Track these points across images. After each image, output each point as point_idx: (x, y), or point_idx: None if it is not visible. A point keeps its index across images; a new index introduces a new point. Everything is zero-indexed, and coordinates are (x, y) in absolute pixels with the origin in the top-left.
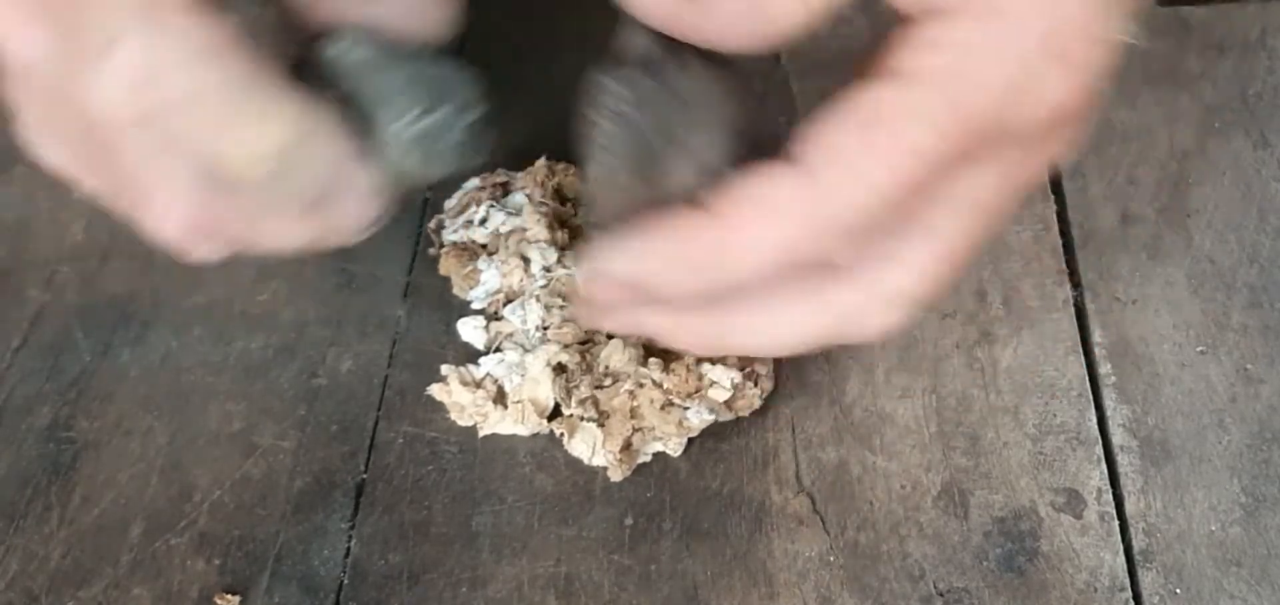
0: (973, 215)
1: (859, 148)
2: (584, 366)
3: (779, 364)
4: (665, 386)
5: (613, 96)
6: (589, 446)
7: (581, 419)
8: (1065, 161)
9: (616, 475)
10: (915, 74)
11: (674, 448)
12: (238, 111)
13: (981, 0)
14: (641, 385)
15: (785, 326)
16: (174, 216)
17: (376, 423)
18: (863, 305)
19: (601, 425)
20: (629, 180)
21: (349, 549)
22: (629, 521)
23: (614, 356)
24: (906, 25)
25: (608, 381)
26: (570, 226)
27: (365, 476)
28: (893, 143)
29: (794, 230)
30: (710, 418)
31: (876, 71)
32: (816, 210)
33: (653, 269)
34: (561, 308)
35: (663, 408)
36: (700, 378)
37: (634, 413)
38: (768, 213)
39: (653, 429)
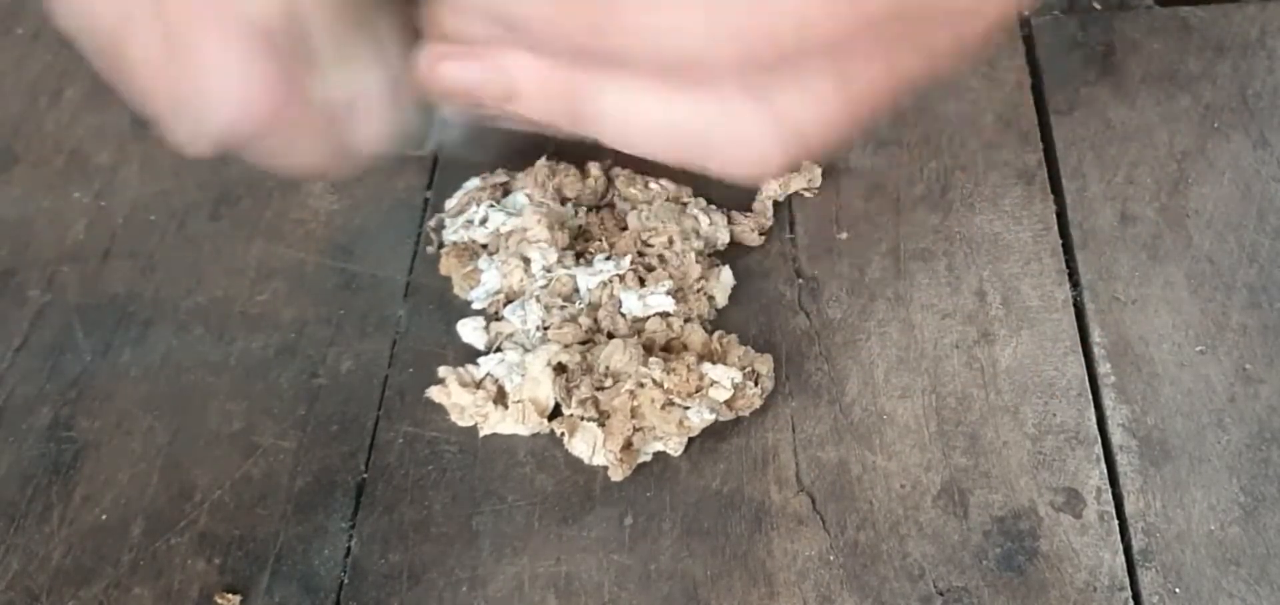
0: (892, 70)
1: None
2: (584, 366)
3: (779, 364)
4: (666, 386)
5: None
6: (589, 446)
7: (582, 419)
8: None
9: (617, 475)
10: None
11: (674, 447)
12: None
13: None
14: (642, 385)
15: (653, 118)
16: (229, 85)
17: (377, 422)
18: (744, 122)
19: (602, 425)
20: None
21: (349, 548)
22: (629, 521)
23: (615, 356)
24: None
25: (608, 381)
26: (571, 227)
27: (365, 476)
28: None
29: (700, 26)
30: (710, 417)
31: None
32: (732, 17)
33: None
34: (562, 308)
35: (663, 407)
36: (701, 377)
37: (634, 412)
38: None
39: (653, 429)
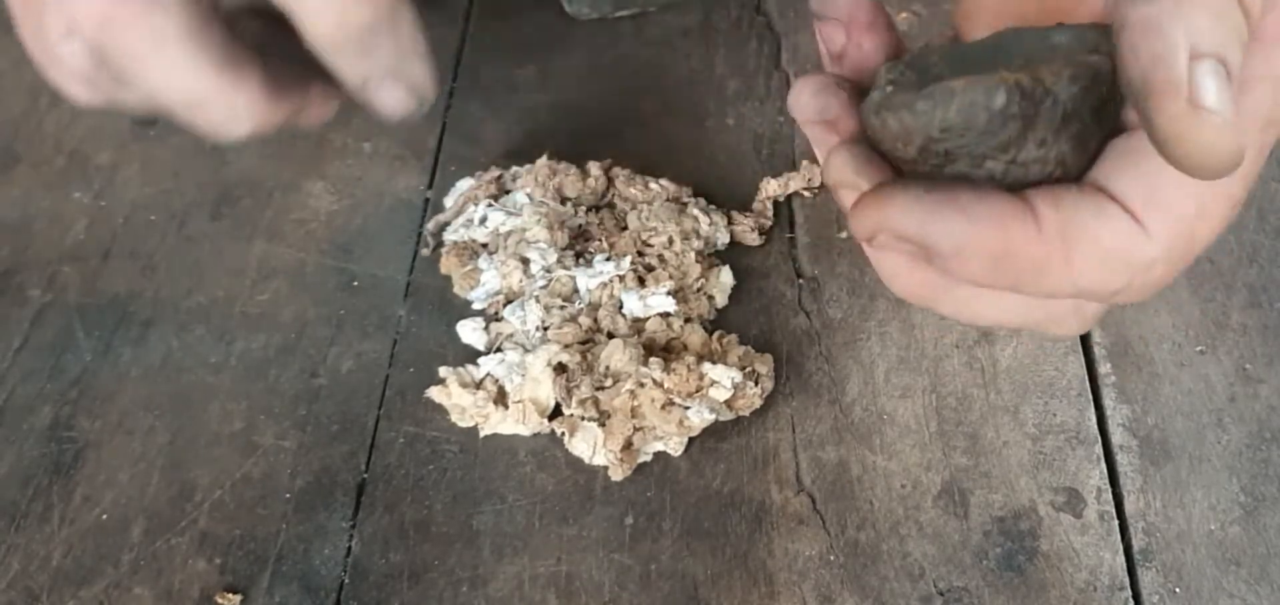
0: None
1: (1195, 217)
2: (584, 366)
3: (779, 364)
4: (666, 386)
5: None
6: (590, 446)
7: (582, 418)
8: None
9: (617, 475)
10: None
11: (674, 447)
12: None
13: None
14: (642, 385)
15: (990, 313)
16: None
17: (377, 422)
18: (1061, 319)
19: (602, 425)
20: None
21: (350, 548)
22: (629, 521)
23: (615, 356)
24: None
25: (608, 381)
26: (570, 227)
27: (366, 476)
28: (1218, 206)
29: (1115, 281)
30: (711, 417)
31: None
32: (1139, 266)
33: (954, 246)
34: (562, 308)
35: (663, 407)
36: (701, 377)
37: (635, 412)
38: (1097, 262)
39: (653, 428)
